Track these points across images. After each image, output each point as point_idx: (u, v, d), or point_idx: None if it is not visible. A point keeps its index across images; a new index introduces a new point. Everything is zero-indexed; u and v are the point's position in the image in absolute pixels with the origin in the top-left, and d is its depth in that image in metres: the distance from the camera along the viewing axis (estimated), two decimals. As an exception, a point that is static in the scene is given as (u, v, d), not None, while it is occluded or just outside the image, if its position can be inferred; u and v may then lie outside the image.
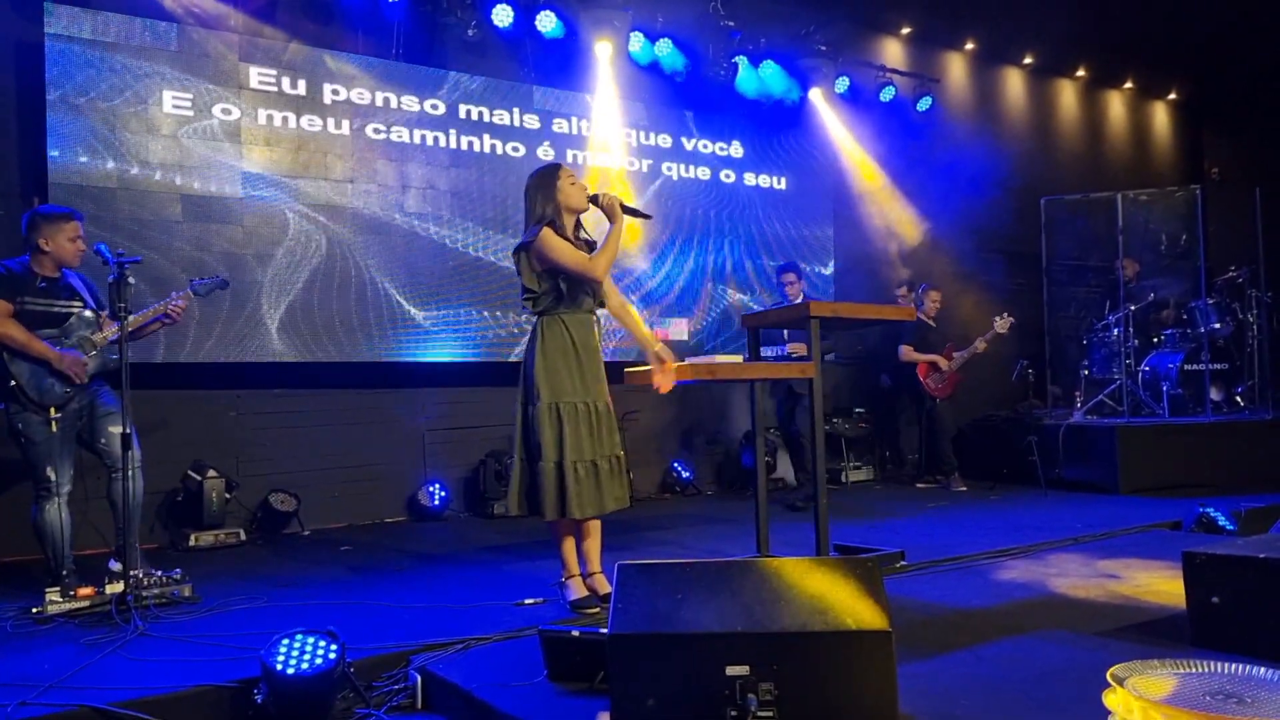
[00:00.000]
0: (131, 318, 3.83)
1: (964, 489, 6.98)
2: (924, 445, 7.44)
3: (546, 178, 3.49)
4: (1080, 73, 10.27)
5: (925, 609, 3.42)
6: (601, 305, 3.59)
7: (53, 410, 3.78)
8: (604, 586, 3.52)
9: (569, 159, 6.88)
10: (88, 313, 3.95)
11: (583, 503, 3.35)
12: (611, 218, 3.45)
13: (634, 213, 3.56)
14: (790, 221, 7.94)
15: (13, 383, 3.75)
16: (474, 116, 6.51)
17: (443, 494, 6.19)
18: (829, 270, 8.09)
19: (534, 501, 3.44)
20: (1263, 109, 10.24)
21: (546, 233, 3.37)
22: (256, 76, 5.74)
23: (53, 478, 3.81)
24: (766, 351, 4.61)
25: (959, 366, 7.12)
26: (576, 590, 3.48)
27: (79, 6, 5.22)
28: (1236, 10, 8.48)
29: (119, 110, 5.31)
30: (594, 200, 3.50)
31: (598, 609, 3.36)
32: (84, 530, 4.28)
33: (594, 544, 3.58)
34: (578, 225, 3.57)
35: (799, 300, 6.21)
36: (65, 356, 3.80)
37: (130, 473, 3.74)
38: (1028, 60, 9.83)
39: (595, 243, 3.57)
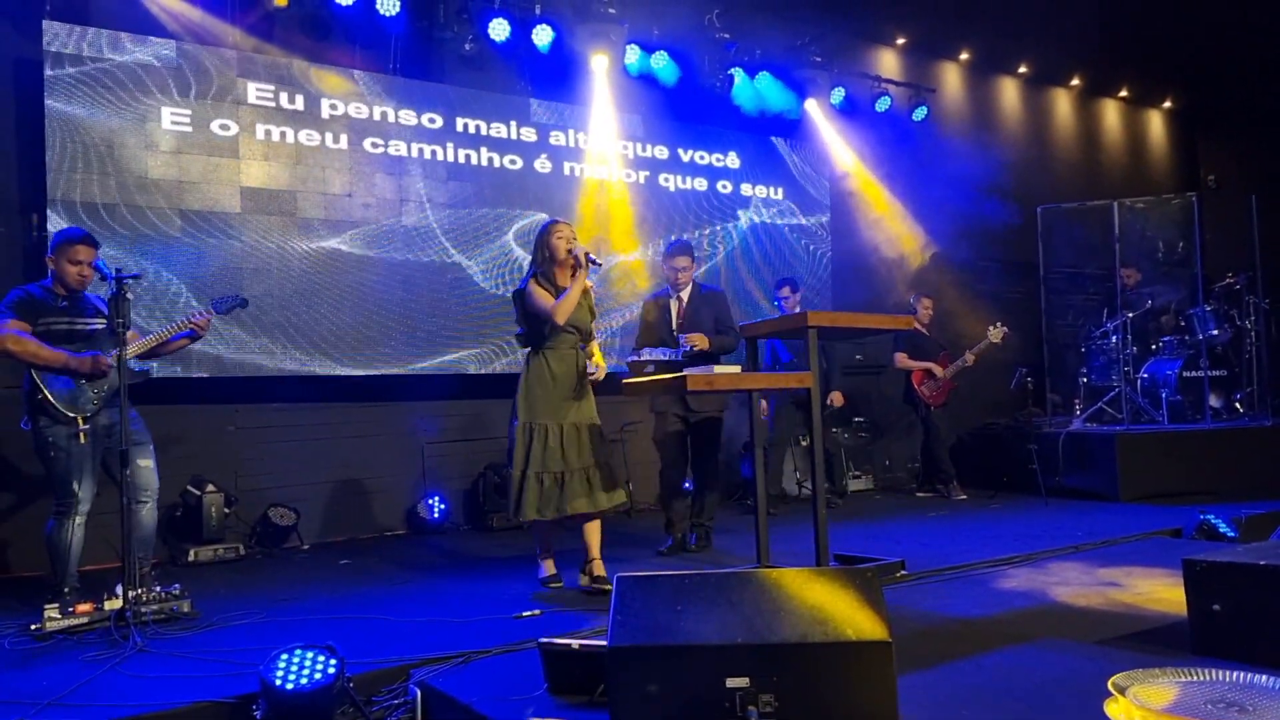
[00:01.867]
0: (163, 330, 4.01)
1: (964, 496, 6.98)
2: (922, 454, 7.43)
3: (541, 234, 4.07)
4: (1075, 81, 10.32)
5: (926, 618, 3.41)
6: (587, 342, 4.11)
7: (81, 420, 3.78)
8: (600, 570, 4.03)
9: (566, 171, 6.91)
10: (110, 328, 3.97)
11: (541, 506, 3.88)
12: (579, 268, 3.93)
13: (592, 261, 3.95)
14: (787, 231, 7.96)
15: (40, 395, 3.76)
16: (471, 130, 6.53)
17: (442, 507, 6.18)
18: (826, 279, 8.10)
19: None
20: (1258, 115, 10.27)
21: (531, 283, 3.99)
22: (254, 92, 5.77)
23: (77, 492, 3.80)
24: (659, 353, 4.31)
25: (953, 375, 7.12)
26: (546, 569, 4.12)
27: (77, 24, 5.24)
28: (1231, 18, 8.53)
29: (118, 127, 5.33)
30: (570, 253, 3.96)
31: (560, 584, 4.06)
32: (87, 545, 4.26)
33: (593, 536, 4.06)
34: (574, 273, 3.96)
35: (689, 287, 5.10)
36: (75, 359, 3.77)
37: (147, 503, 3.87)
38: (1022, 69, 9.88)
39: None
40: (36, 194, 5.16)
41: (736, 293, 7.64)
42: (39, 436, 3.80)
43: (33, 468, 5.00)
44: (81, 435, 3.77)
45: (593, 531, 4.05)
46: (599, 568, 4.02)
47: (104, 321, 3.96)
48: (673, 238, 6.87)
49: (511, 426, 4.00)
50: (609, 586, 3.54)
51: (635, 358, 4.19)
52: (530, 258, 4.15)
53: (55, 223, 5.10)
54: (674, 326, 5.01)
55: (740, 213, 7.74)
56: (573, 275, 3.95)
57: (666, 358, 4.09)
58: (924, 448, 7.33)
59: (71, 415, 3.77)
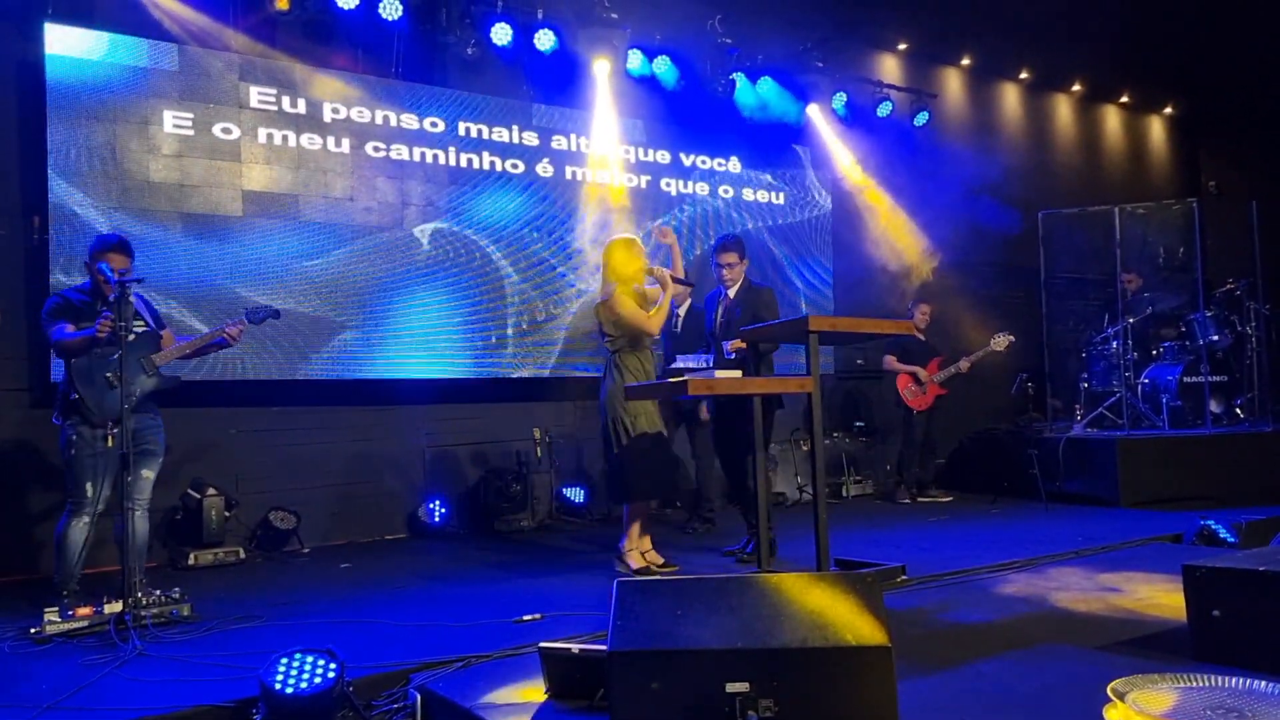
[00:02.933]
0: (197, 338, 4.11)
1: (907, 501, 7.04)
2: (923, 460, 7.41)
3: (619, 248, 4.44)
4: (1076, 87, 10.33)
5: (926, 623, 3.41)
6: (657, 344, 4.57)
7: (110, 424, 3.81)
8: (658, 559, 4.51)
9: (568, 176, 6.92)
10: (147, 333, 4.01)
11: (656, 488, 4.50)
12: (664, 287, 4.40)
13: (681, 282, 4.50)
14: (788, 235, 7.97)
15: (74, 395, 3.81)
16: (473, 134, 6.54)
17: (443, 511, 6.17)
18: (828, 283, 8.11)
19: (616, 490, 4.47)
20: (1259, 121, 10.28)
21: (619, 294, 4.34)
22: (256, 95, 5.78)
23: (90, 494, 3.85)
24: (687, 361, 4.54)
25: (942, 381, 7.13)
26: (636, 561, 4.38)
27: (79, 27, 5.26)
28: (1232, 24, 8.54)
29: (119, 130, 5.34)
30: (650, 272, 4.41)
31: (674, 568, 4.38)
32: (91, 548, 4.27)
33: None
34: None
35: (738, 285, 4.88)
36: (99, 324, 3.76)
37: (136, 510, 3.85)
38: (1024, 75, 9.89)
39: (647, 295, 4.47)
40: (38, 197, 5.17)
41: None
42: (66, 435, 3.86)
43: (34, 473, 5.02)
44: (110, 438, 3.80)
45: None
46: (655, 557, 4.53)
47: (142, 324, 4.01)
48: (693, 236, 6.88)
49: (617, 419, 4.33)
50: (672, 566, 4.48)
51: (670, 365, 4.30)
52: (604, 269, 4.48)
53: (57, 226, 5.11)
54: (714, 328, 4.92)
55: (741, 218, 7.74)
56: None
57: (694, 364, 4.22)
58: (919, 450, 7.29)
59: (100, 417, 3.81)
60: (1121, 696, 2.02)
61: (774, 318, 4.69)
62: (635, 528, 4.44)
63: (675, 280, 4.47)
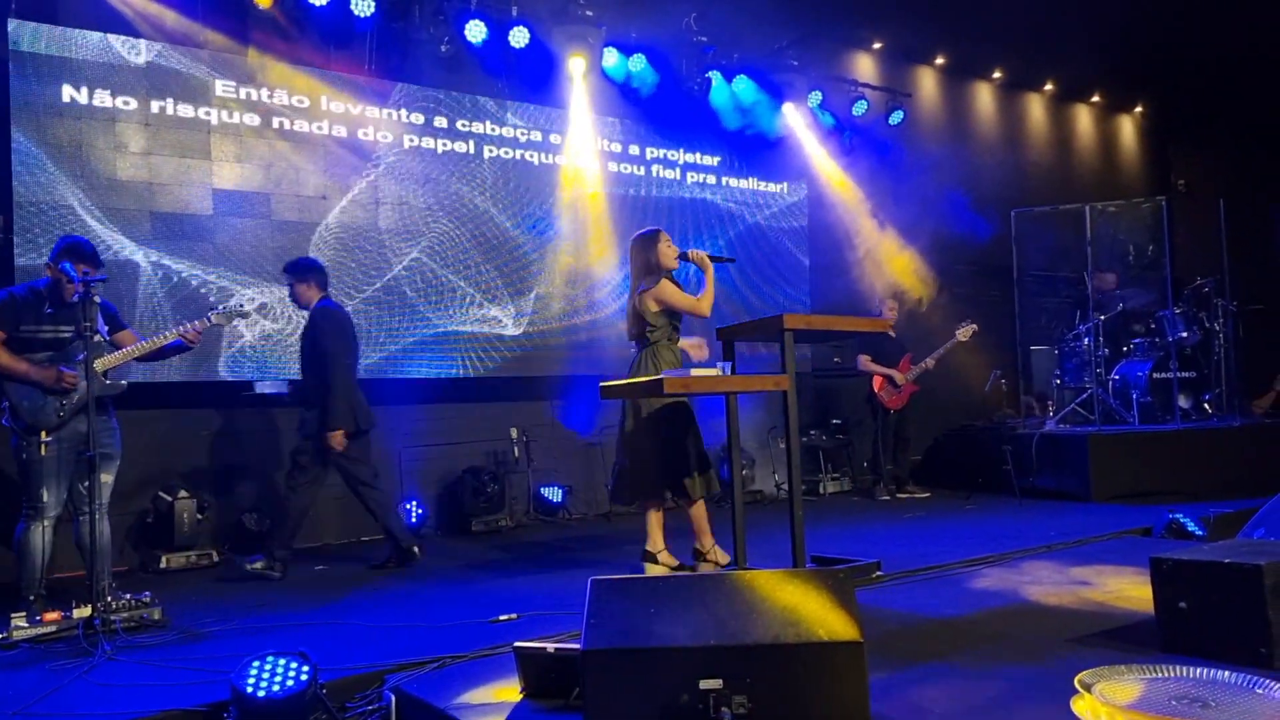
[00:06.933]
0: (147, 341, 3.99)
1: (886, 498, 7.10)
2: (892, 455, 7.44)
3: (650, 240, 4.42)
4: (1048, 87, 10.44)
5: (899, 618, 3.43)
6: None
7: (44, 434, 3.75)
8: (723, 557, 4.38)
9: (543, 173, 6.90)
10: (97, 336, 3.92)
11: (696, 486, 4.36)
12: (704, 269, 4.39)
13: (720, 260, 4.47)
14: (764, 233, 7.99)
15: (7, 402, 3.76)
16: (447, 131, 6.51)
17: (419, 512, 6.14)
18: (804, 279, 8.14)
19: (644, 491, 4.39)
20: (1227, 122, 10.44)
21: (665, 282, 4.36)
22: (226, 92, 5.71)
23: (45, 498, 3.79)
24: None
25: (913, 378, 7.18)
26: (668, 557, 4.41)
27: (44, 23, 5.17)
28: (1201, 26, 8.67)
29: (86, 127, 5.26)
30: (683, 257, 4.42)
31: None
32: (57, 553, 4.21)
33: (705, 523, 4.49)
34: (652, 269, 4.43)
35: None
36: (37, 370, 3.74)
37: (97, 513, 3.76)
38: (997, 75, 9.98)
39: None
40: (3, 195, 5.08)
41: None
42: (16, 439, 3.81)
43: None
44: (43, 448, 3.74)
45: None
46: (720, 554, 4.44)
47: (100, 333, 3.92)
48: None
49: (661, 414, 4.31)
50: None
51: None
52: (635, 264, 4.45)
53: (21, 225, 5.03)
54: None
55: (717, 215, 7.76)
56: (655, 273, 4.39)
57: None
58: (872, 445, 7.34)
59: (35, 427, 3.74)
60: (1088, 688, 2.04)
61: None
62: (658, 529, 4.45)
63: (714, 258, 4.43)
